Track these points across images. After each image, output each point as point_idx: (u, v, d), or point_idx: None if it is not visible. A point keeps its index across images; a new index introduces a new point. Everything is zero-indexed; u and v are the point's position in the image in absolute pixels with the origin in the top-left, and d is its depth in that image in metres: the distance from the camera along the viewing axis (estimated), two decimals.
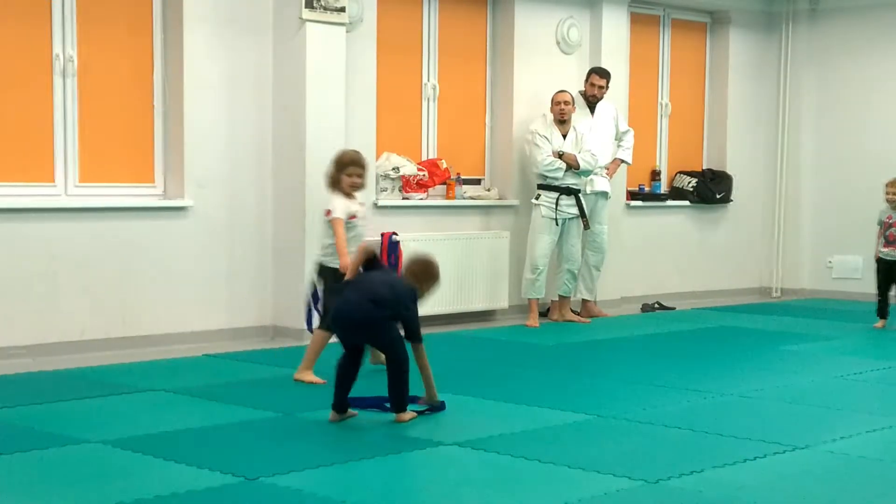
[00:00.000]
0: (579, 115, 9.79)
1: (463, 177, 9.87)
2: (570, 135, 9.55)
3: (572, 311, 9.94)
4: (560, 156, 9.41)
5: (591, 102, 10.00)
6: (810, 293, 12.00)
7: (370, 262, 5.98)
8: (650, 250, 11.27)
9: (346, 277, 6.04)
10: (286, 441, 5.34)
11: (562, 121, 9.51)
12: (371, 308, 5.67)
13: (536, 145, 9.48)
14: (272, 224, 8.58)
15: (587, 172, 9.62)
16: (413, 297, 5.85)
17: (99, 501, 4.29)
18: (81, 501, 4.31)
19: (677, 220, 11.59)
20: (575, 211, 9.60)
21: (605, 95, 10.02)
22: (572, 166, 9.45)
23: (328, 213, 6.78)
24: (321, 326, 6.73)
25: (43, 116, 7.68)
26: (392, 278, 6.04)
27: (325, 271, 6.78)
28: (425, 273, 5.98)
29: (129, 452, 5.01)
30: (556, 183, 9.50)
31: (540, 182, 9.57)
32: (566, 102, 9.50)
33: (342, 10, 8.50)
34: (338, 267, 6.61)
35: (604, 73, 9.97)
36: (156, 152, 8.22)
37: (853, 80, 11.83)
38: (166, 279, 8.08)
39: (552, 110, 9.55)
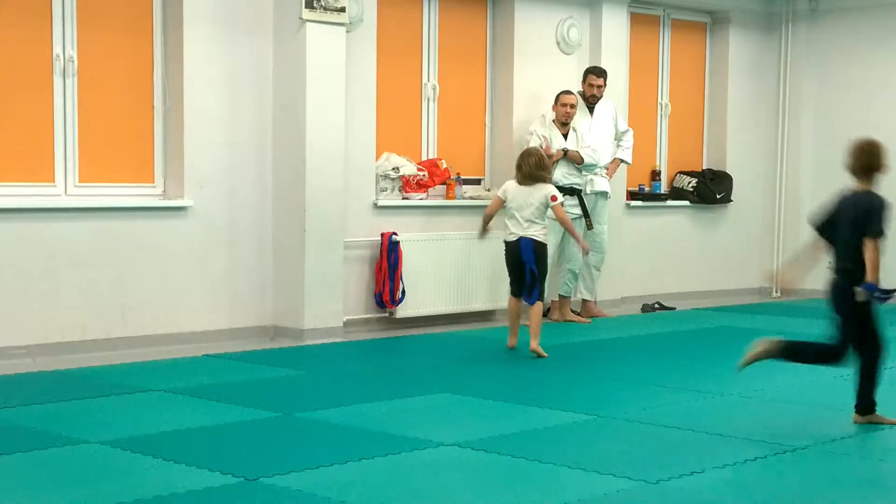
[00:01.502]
0: (579, 116, 9.78)
1: (463, 177, 9.87)
2: (571, 135, 9.56)
3: (572, 311, 9.94)
4: (565, 153, 9.42)
5: (591, 103, 10.00)
6: (810, 293, 11.96)
7: None
8: (650, 250, 11.26)
9: None
10: (286, 441, 5.34)
11: (565, 122, 9.51)
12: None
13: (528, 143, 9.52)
14: (272, 224, 8.57)
15: (591, 167, 9.63)
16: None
17: (99, 501, 4.29)
18: (81, 501, 4.31)
19: (677, 220, 11.59)
20: (578, 211, 9.61)
21: (603, 94, 10.02)
22: (576, 162, 9.47)
23: (554, 198, 8.08)
24: (514, 294, 8.11)
25: (43, 116, 7.68)
26: None
27: (539, 247, 8.03)
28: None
29: (129, 452, 5.01)
30: (560, 184, 9.52)
31: None
32: (572, 106, 9.50)
33: (342, 10, 8.51)
34: (546, 243, 8.13)
35: (601, 73, 9.97)
36: (156, 152, 8.22)
37: (853, 79, 11.83)
38: (166, 279, 8.07)
39: (556, 110, 9.54)
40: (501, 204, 8.11)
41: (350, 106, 8.75)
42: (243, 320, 8.49)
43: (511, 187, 8.15)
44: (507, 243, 8.09)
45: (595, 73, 9.96)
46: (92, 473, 4.71)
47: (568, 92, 9.58)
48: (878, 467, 5.02)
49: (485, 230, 8.33)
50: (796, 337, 6.15)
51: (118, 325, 7.85)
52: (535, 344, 7.81)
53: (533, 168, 8.07)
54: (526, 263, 7.96)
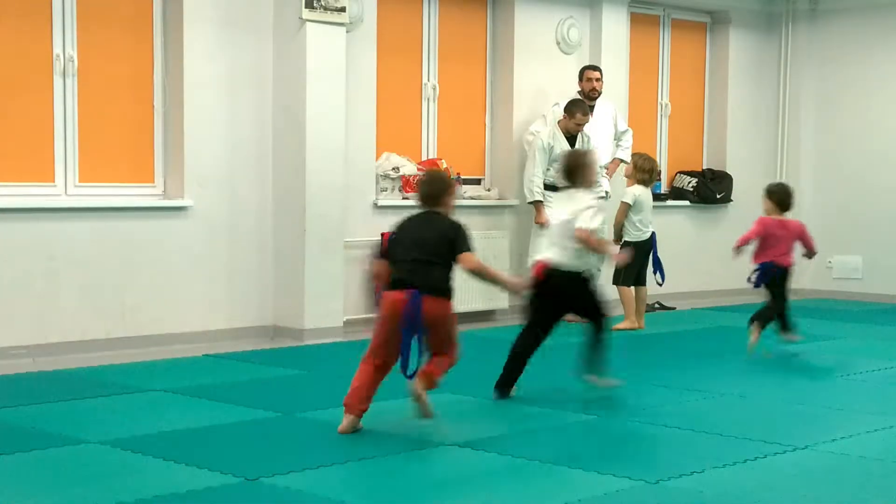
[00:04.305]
0: None
1: (463, 177, 9.87)
2: (579, 138, 9.54)
3: None
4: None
5: (592, 98, 9.97)
6: (810, 293, 11.98)
7: None
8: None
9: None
10: (286, 441, 5.33)
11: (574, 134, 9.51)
12: None
13: (535, 157, 9.46)
14: (272, 224, 8.58)
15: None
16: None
17: (99, 501, 4.29)
18: (81, 501, 4.31)
19: (677, 220, 11.58)
20: None
21: (602, 89, 10.00)
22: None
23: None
24: (626, 284, 9.32)
25: (43, 116, 7.69)
26: None
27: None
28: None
29: (129, 452, 5.01)
30: (560, 184, 9.52)
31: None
32: (585, 125, 9.46)
33: (342, 10, 8.51)
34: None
35: (596, 67, 10.02)
36: (156, 152, 8.23)
37: (853, 79, 11.83)
38: (166, 279, 8.08)
39: (566, 122, 9.42)
40: (628, 209, 9.18)
41: (350, 106, 8.75)
42: (243, 320, 8.49)
43: (639, 191, 9.21)
44: (642, 241, 9.28)
45: (591, 68, 9.98)
46: (92, 473, 4.71)
47: (584, 112, 9.41)
48: (878, 467, 5.02)
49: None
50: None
51: (118, 325, 7.85)
52: (640, 322, 9.40)
53: (656, 167, 9.44)
54: (654, 254, 9.34)
